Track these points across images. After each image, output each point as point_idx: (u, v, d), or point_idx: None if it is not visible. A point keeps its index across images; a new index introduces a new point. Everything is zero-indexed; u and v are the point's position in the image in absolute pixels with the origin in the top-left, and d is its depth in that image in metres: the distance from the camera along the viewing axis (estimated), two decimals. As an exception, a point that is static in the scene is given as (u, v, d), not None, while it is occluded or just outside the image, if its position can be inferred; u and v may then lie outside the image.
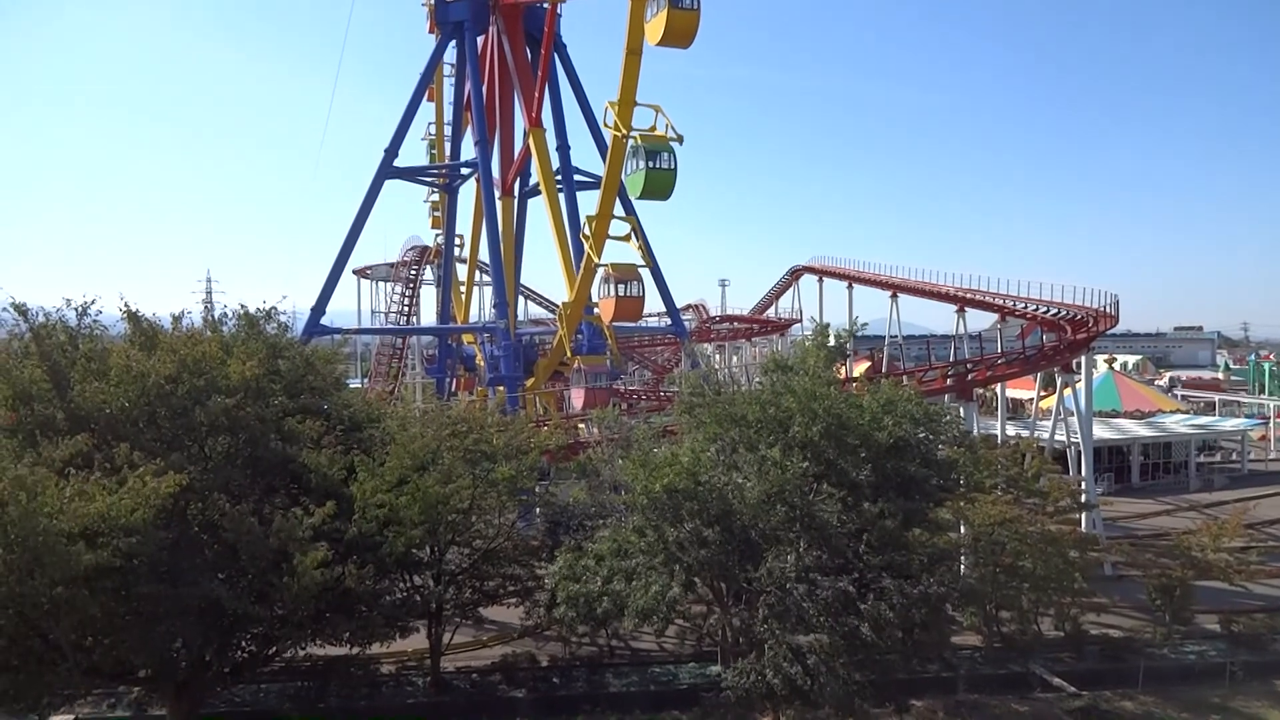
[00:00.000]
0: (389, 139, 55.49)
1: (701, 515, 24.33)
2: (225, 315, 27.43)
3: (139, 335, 24.47)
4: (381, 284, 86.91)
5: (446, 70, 67.24)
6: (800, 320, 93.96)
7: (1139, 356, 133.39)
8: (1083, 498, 37.43)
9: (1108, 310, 47.32)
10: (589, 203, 45.71)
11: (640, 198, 39.77)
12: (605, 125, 40.83)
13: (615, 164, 40.88)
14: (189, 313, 27.48)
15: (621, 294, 42.92)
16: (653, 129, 39.17)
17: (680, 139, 39.05)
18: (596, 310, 46.53)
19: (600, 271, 43.44)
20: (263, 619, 21.12)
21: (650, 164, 38.54)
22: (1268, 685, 28.49)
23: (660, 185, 38.92)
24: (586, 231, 43.48)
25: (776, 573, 23.55)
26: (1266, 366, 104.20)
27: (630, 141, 39.27)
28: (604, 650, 30.87)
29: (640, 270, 44.00)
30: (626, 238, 44.14)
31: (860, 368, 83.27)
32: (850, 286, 77.22)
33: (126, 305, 25.00)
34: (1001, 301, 57.35)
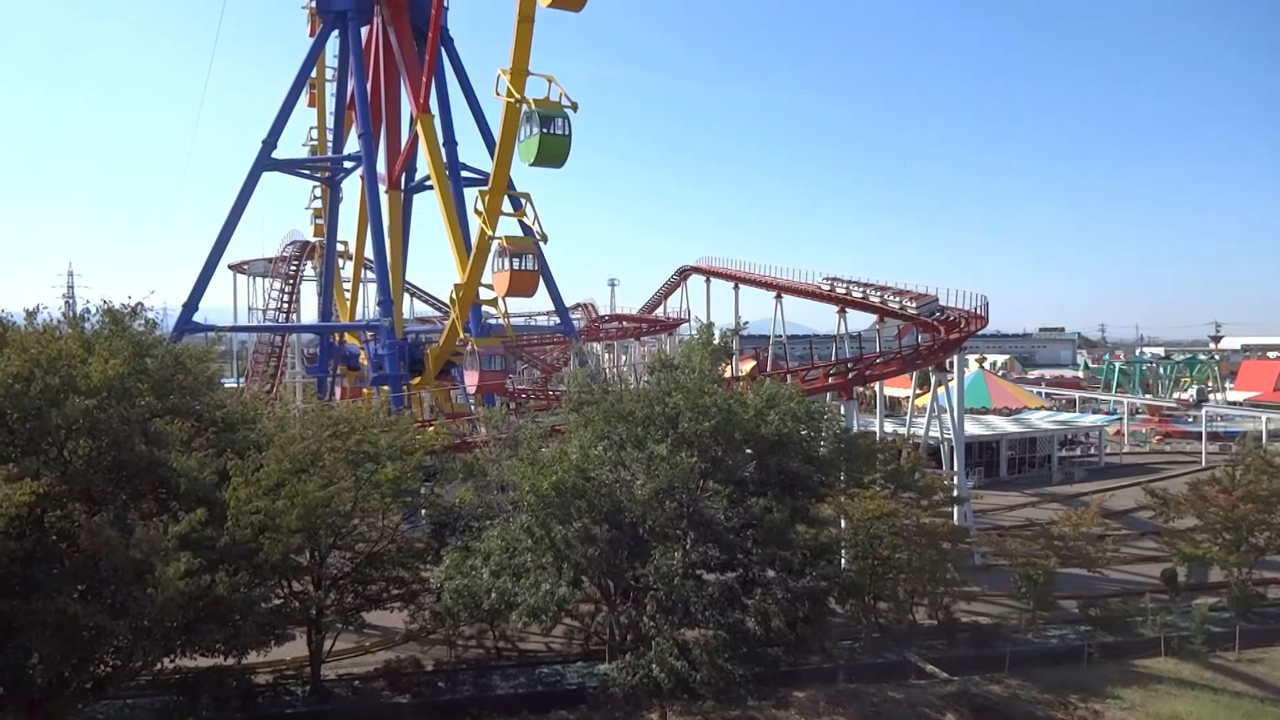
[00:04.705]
0: (267, 130, 53.66)
1: (591, 513, 24.31)
2: (88, 311, 25.85)
3: (-13, 331, 22.84)
4: (260, 280, 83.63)
5: (329, 75, 65.46)
6: (688, 320, 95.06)
7: (1007, 356, 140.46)
8: (955, 491, 39.09)
9: (978, 312, 49.49)
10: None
11: (534, 164, 38.77)
12: (498, 94, 39.71)
13: (509, 132, 39.98)
14: (46, 308, 25.81)
15: (516, 268, 42.07)
16: (546, 99, 38.47)
17: (575, 106, 38.46)
18: (492, 294, 45.79)
19: (494, 245, 42.58)
20: (125, 632, 20.00)
21: (545, 129, 37.88)
22: (1121, 665, 30.26)
23: (554, 151, 38.32)
24: (479, 207, 42.45)
25: (664, 569, 23.75)
26: (1117, 366, 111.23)
27: (524, 108, 38.46)
28: (490, 652, 30.50)
29: (535, 245, 43.47)
30: (519, 214, 43.57)
31: (746, 367, 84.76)
32: (736, 287, 78.45)
33: None
34: (881, 303, 59.27)
